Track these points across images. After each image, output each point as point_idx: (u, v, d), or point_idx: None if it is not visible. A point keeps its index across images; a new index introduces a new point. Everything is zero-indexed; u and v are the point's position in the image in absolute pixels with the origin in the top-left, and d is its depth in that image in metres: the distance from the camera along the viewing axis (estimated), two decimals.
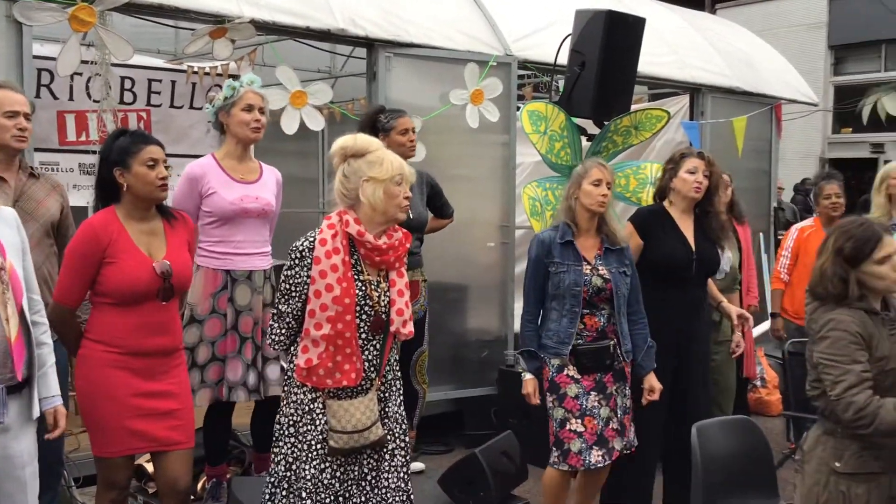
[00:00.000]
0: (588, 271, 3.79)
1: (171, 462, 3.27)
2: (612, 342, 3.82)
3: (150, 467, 4.15)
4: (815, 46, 13.99)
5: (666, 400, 4.14)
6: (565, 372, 3.77)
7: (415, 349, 4.92)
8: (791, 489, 3.10)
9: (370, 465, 3.04)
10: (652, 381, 3.93)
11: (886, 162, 12.90)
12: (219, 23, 4.53)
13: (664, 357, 4.15)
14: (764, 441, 3.56)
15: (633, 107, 5.82)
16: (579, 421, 3.73)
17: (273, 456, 3.06)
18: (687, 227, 4.24)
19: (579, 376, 3.76)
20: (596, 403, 3.77)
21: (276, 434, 3.05)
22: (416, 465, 4.88)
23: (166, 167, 3.23)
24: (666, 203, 4.31)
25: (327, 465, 2.96)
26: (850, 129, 14.13)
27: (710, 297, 4.47)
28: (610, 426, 3.79)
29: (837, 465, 2.72)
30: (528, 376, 3.85)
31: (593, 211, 3.82)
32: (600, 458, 3.73)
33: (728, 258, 5.08)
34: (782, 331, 5.79)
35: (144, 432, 3.19)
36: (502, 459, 4.28)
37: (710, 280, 4.48)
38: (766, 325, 6.46)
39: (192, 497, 3.94)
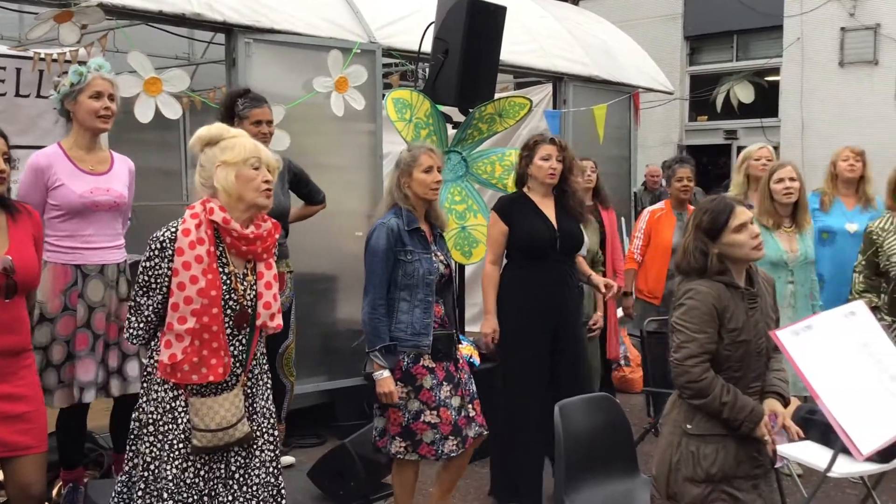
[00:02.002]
0: (434, 258, 3.81)
1: (22, 467, 3.10)
2: (454, 330, 3.88)
3: None
4: (671, 37, 14.52)
5: (546, 378, 4.25)
6: (421, 362, 3.73)
7: (281, 342, 4.84)
8: (652, 462, 3.21)
9: (238, 463, 2.96)
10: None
11: (740, 148, 13.64)
12: (64, 6, 4.31)
13: (541, 335, 4.27)
14: (623, 417, 3.67)
15: (498, 95, 5.90)
16: (434, 412, 3.72)
17: (130, 455, 2.95)
18: (548, 209, 4.37)
19: (433, 365, 3.75)
20: (448, 393, 3.78)
21: (134, 432, 2.94)
22: (287, 459, 4.81)
23: (6, 160, 3.05)
24: (526, 189, 4.43)
25: (190, 463, 2.87)
26: (706, 117, 14.74)
27: (580, 274, 4.59)
28: (462, 415, 3.81)
29: (689, 426, 2.88)
30: (385, 374, 3.65)
31: (427, 199, 3.81)
32: (454, 447, 3.75)
33: (585, 242, 5.26)
34: (632, 309, 6.02)
35: None
36: (373, 449, 4.26)
37: (579, 257, 4.61)
38: None
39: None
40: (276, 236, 3.04)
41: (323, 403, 5.76)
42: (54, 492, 4.01)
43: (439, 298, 3.85)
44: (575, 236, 4.44)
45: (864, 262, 4.84)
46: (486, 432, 3.94)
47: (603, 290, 4.57)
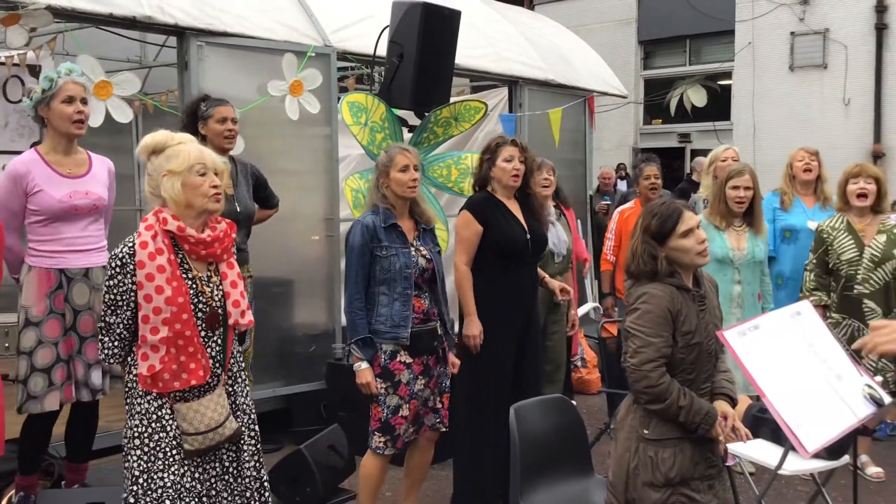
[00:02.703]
0: (414, 253, 3.86)
1: None
2: (437, 323, 3.93)
3: None
4: (625, 41, 14.68)
5: (510, 379, 4.28)
6: (398, 358, 3.82)
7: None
8: (608, 462, 3.23)
9: (230, 458, 3.02)
10: (453, 358, 4.09)
11: (693, 151, 13.85)
12: (11, 9, 4.23)
13: (510, 338, 4.29)
14: (578, 419, 3.70)
15: (454, 99, 5.91)
16: (407, 406, 3.84)
17: (124, 471, 2.96)
18: (515, 211, 4.38)
19: (410, 360, 3.84)
20: (421, 387, 3.90)
21: (125, 448, 2.95)
22: None
23: None
24: (489, 190, 4.41)
25: (186, 468, 2.90)
26: (660, 121, 14.93)
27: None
28: (427, 405, 3.95)
29: (646, 432, 2.86)
30: (363, 366, 3.78)
31: (406, 197, 3.89)
32: (412, 434, 3.91)
33: (565, 241, 5.32)
34: (612, 309, 6.10)
35: None
36: (329, 453, 4.25)
37: None
38: (586, 307, 6.77)
39: None
40: (233, 235, 3.07)
41: (280, 409, 5.72)
42: (4, 500, 3.95)
43: (422, 293, 3.90)
44: (542, 238, 4.49)
45: (814, 261, 4.95)
46: (443, 428, 4.02)
47: (558, 295, 4.62)
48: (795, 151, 5.65)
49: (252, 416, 3.12)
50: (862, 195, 4.82)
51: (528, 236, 4.31)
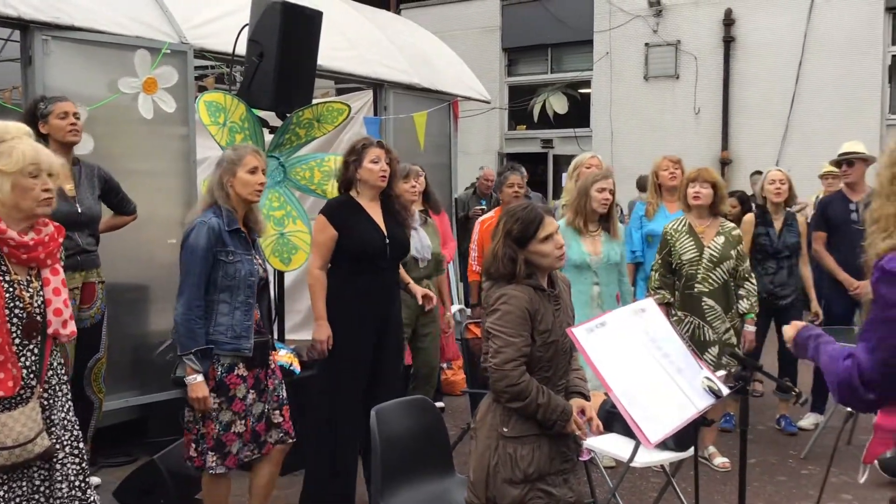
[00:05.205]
0: (255, 261, 3.73)
1: None
2: (269, 336, 3.81)
3: None
4: (490, 49, 14.94)
5: (364, 385, 4.24)
6: (235, 371, 3.64)
7: (90, 356, 4.63)
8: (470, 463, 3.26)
9: (42, 477, 2.85)
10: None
11: (555, 156, 14.22)
12: None
13: (366, 341, 4.24)
14: (439, 419, 3.73)
15: (316, 100, 5.84)
16: (242, 422, 3.67)
17: None
18: (376, 214, 4.33)
19: (247, 373, 3.68)
20: (252, 400, 3.73)
21: None
22: (93, 480, 4.55)
23: None
24: (353, 193, 4.38)
25: None
26: (524, 126, 15.27)
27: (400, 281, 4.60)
28: (262, 421, 3.77)
29: (505, 430, 2.92)
30: (199, 379, 3.50)
31: (249, 200, 3.72)
32: (250, 452, 3.72)
33: (428, 246, 5.33)
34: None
35: None
36: (185, 463, 4.11)
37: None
38: (451, 309, 6.81)
39: None
40: (60, 240, 2.93)
41: (134, 419, 5.50)
42: None
43: (257, 304, 3.76)
44: (403, 243, 4.45)
45: (659, 261, 5.19)
46: (290, 440, 3.89)
47: (420, 301, 4.61)
48: (660, 161, 5.95)
49: (75, 433, 2.96)
50: (696, 197, 5.09)
51: (387, 241, 4.29)
